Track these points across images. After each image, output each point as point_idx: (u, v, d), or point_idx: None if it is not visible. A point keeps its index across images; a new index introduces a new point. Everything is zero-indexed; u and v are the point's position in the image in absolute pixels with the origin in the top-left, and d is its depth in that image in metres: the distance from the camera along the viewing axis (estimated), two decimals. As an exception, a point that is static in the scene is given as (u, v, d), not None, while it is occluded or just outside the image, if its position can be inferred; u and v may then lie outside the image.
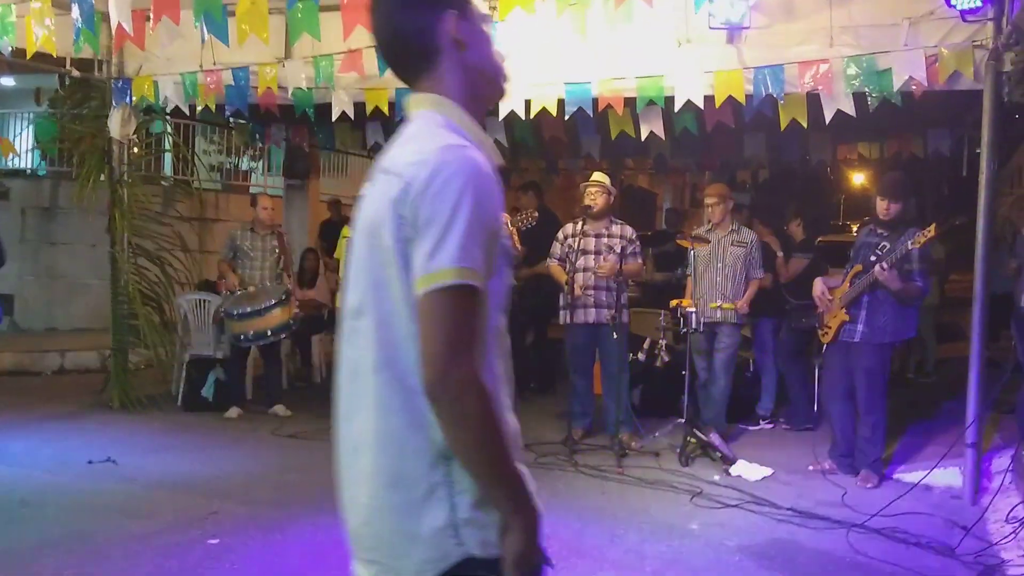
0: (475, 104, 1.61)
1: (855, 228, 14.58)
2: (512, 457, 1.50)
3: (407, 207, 1.40)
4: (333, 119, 6.80)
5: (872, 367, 5.61)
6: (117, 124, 7.24)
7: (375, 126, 8.71)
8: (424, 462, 1.47)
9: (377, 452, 1.51)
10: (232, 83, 6.66)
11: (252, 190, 12.67)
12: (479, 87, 1.63)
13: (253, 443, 6.40)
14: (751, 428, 7.12)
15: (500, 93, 1.70)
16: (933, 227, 5.33)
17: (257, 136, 9.88)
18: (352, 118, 6.90)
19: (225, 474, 5.57)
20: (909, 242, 5.31)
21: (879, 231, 5.73)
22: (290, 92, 6.54)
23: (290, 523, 4.63)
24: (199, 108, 7.16)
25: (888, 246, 5.53)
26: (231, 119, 9.11)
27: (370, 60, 6.03)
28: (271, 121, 9.01)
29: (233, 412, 7.14)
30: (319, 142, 10.10)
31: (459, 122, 1.55)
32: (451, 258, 1.36)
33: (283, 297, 7.01)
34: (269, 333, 6.99)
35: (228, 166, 13.32)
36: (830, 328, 5.78)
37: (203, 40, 6.17)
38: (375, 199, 1.50)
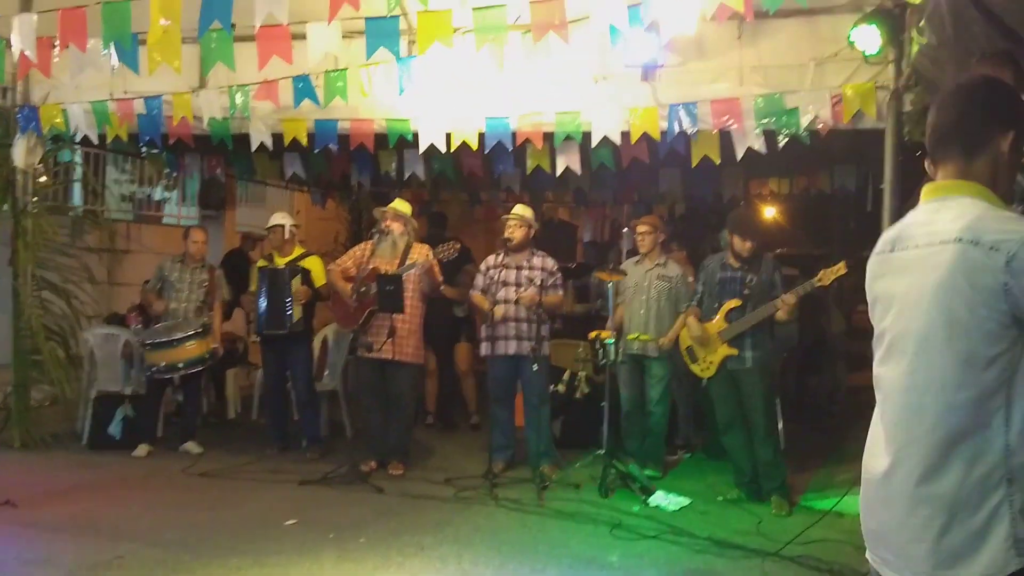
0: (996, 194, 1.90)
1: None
2: None
3: (1014, 276, 1.69)
4: (252, 149, 6.71)
5: (766, 391, 5.85)
6: (21, 153, 6.99)
7: (293, 156, 8.61)
8: (988, 488, 1.73)
9: (945, 480, 1.78)
10: (145, 112, 6.51)
11: (165, 220, 12.36)
12: (997, 190, 1.90)
13: (162, 482, 6.19)
14: (669, 458, 7.18)
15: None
16: (843, 265, 5.53)
17: (171, 166, 9.65)
18: (270, 148, 6.81)
19: (132, 515, 5.36)
20: (816, 280, 5.51)
21: (734, 265, 5.92)
22: (205, 122, 6.42)
23: (200, 566, 4.48)
24: (110, 138, 6.96)
25: (754, 278, 5.75)
26: (144, 148, 8.89)
27: (285, 91, 5.98)
28: (186, 151, 8.82)
29: (142, 450, 6.89)
30: (236, 172, 9.93)
31: (999, 206, 1.86)
32: None
33: (199, 330, 6.85)
34: (181, 366, 6.81)
35: (140, 196, 12.97)
36: (712, 363, 5.91)
37: (113, 68, 6.02)
38: (950, 267, 1.76)
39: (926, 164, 2.00)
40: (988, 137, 1.87)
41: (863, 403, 6.42)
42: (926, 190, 1.96)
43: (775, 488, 5.77)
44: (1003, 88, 1.96)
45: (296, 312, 6.86)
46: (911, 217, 1.96)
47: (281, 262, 7.07)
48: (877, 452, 1.95)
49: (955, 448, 1.75)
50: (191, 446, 7.01)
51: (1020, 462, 1.71)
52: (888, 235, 1.99)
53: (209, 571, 4.40)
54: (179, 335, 6.79)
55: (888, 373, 1.92)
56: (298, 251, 7.23)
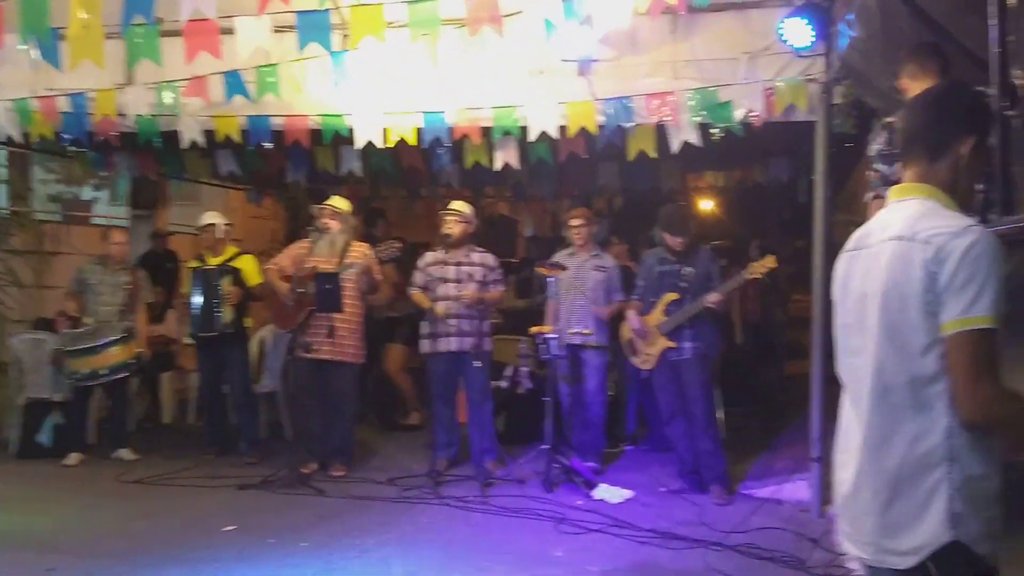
0: (953, 197, 2.01)
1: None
2: None
3: (938, 266, 1.82)
4: (182, 147, 6.54)
5: (706, 380, 5.95)
6: (-61, 152, 6.72)
7: (226, 154, 8.42)
8: (929, 464, 1.86)
9: (893, 456, 1.92)
10: (69, 110, 6.30)
11: (95, 221, 12.01)
12: (956, 192, 2.02)
13: (95, 491, 6.01)
14: (612, 450, 7.23)
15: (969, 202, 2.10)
16: (772, 259, 5.66)
17: (97, 165, 9.37)
18: (203, 146, 6.65)
19: (63, 527, 5.20)
20: (746, 273, 5.62)
21: (671, 259, 6.01)
22: (132, 119, 6.24)
23: (135, 576, 4.36)
24: (34, 137, 6.72)
25: (691, 270, 5.87)
26: (70, 147, 8.61)
27: (216, 86, 5.83)
28: (114, 149, 8.57)
29: (73, 458, 6.69)
30: (167, 171, 9.68)
31: (949, 206, 1.97)
32: (987, 308, 1.79)
33: (123, 335, 6.67)
34: (103, 372, 6.63)
35: (69, 196, 12.58)
36: (651, 355, 5.98)
37: (32, 65, 5.80)
38: (889, 261, 1.92)
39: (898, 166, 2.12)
40: (949, 141, 2.00)
41: (801, 392, 6.53)
42: (892, 191, 2.11)
43: (715, 477, 5.85)
44: (968, 95, 2.10)
45: (227, 313, 6.74)
46: (877, 216, 2.11)
47: (214, 262, 6.92)
48: (844, 434, 2.10)
49: (898, 428, 1.91)
50: (124, 453, 6.84)
51: (961, 443, 1.84)
52: (856, 233, 2.13)
53: (144, 582, 4.28)
54: (100, 341, 6.61)
55: (848, 361, 2.08)
56: (231, 251, 7.08)
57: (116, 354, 6.64)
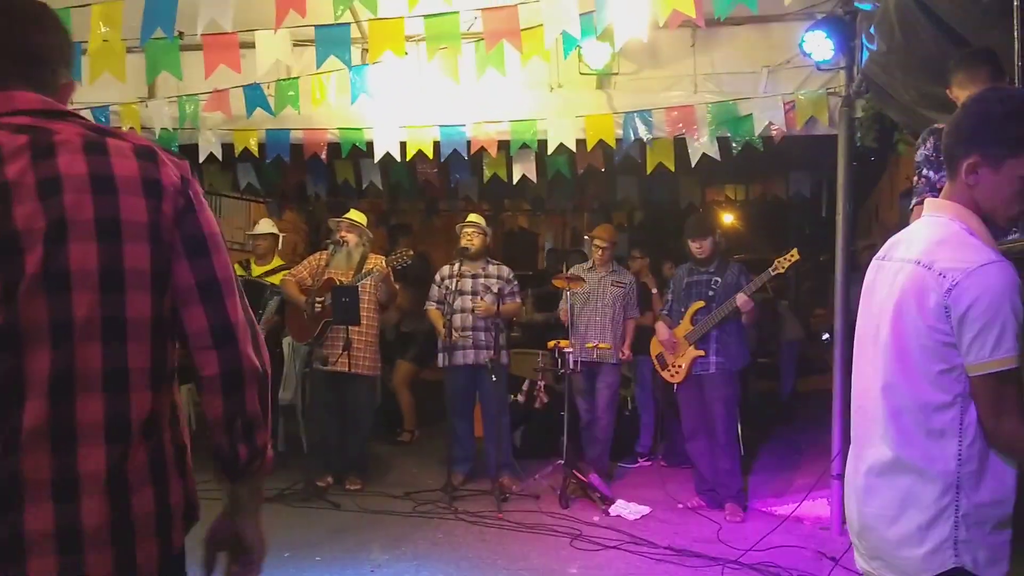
0: (981, 216, 1.96)
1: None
2: None
3: (953, 302, 1.81)
4: (200, 160, 6.57)
5: (729, 396, 5.86)
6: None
7: (246, 167, 8.48)
8: (936, 489, 1.85)
9: (901, 477, 1.92)
10: (92, 123, 6.36)
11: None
12: (984, 211, 1.96)
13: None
14: (630, 466, 7.17)
15: (1004, 225, 2.01)
16: (795, 251, 5.61)
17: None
18: (220, 159, 6.69)
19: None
20: (771, 269, 5.57)
21: (700, 269, 5.96)
22: (156, 133, 6.29)
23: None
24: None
25: (720, 280, 5.81)
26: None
27: (236, 100, 5.87)
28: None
29: None
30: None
31: (976, 229, 1.92)
32: (1008, 350, 1.79)
33: None
34: None
35: (92, 209, 12.71)
36: (681, 367, 5.93)
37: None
38: (905, 285, 1.91)
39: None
40: (956, 159, 1.96)
41: (819, 408, 6.43)
42: (926, 204, 2.10)
43: (730, 496, 5.78)
44: (975, 109, 1.97)
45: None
46: (910, 227, 2.10)
47: (258, 271, 6.98)
48: (854, 443, 2.11)
49: (906, 450, 1.90)
50: None
51: (970, 470, 1.83)
52: (890, 241, 2.12)
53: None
54: None
55: (859, 371, 2.09)
56: (277, 261, 7.14)
57: None
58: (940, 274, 1.85)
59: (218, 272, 1.60)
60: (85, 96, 6.22)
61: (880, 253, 2.12)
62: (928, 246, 1.92)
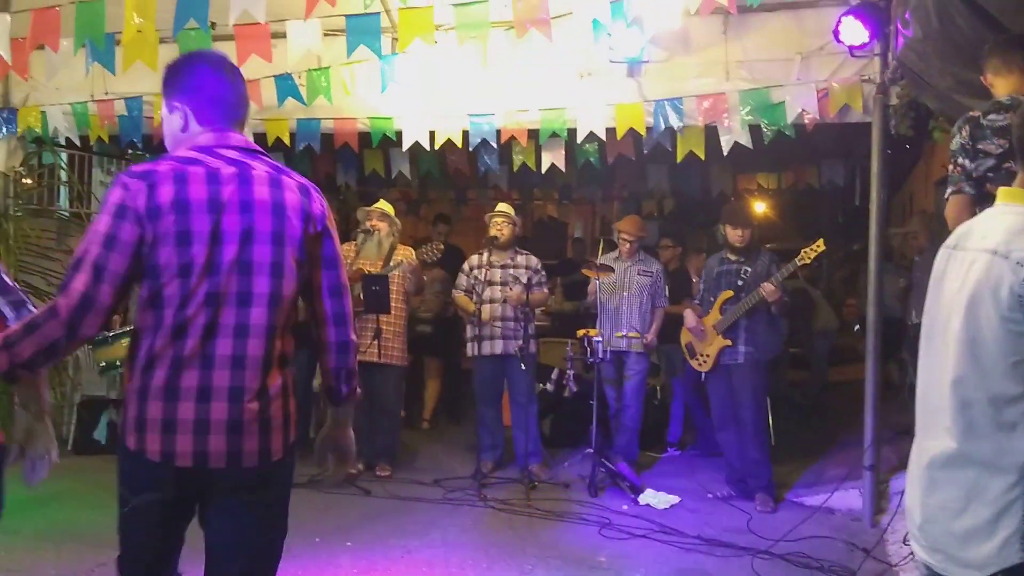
0: None
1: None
2: None
3: None
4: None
5: (758, 386, 5.82)
6: (2, 156, 6.91)
7: (276, 157, 8.51)
8: (1005, 483, 1.83)
9: (966, 470, 1.89)
10: (126, 113, 6.44)
11: (152, 222, 12.27)
12: None
13: (148, 487, 6.11)
14: (660, 456, 7.16)
15: None
16: (821, 242, 5.56)
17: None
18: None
19: (114, 521, 5.28)
20: (797, 260, 5.52)
21: (731, 258, 5.92)
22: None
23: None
24: (92, 140, 6.89)
25: (749, 270, 5.77)
26: (128, 150, 8.80)
27: (268, 90, 5.91)
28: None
29: None
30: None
31: None
32: None
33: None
34: (118, 363, 6.59)
35: (126, 198, 12.86)
36: (708, 356, 5.91)
37: (87, 69, 5.93)
38: (980, 274, 1.87)
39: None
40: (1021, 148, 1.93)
41: (851, 398, 6.36)
42: (999, 192, 2.04)
43: (760, 487, 5.76)
44: None
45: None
46: (981, 217, 2.05)
47: None
48: (916, 435, 2.08)
49: (975, 443, 1.86)
50: None
51: None
52: (959, 230, 2.07)
53: (193, 577, 4.34)
54: (112, 333, 6.63)
55: (926, 363, 2.05)
56: None
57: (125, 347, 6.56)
58: (1018, 263, 1.80)
59: (341, 280, 2.46)
60: (118, 86, 6.31)
61: (950, 242, 2.07)
62: (1004, 236, 1.88)
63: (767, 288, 5.57)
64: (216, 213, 2.22)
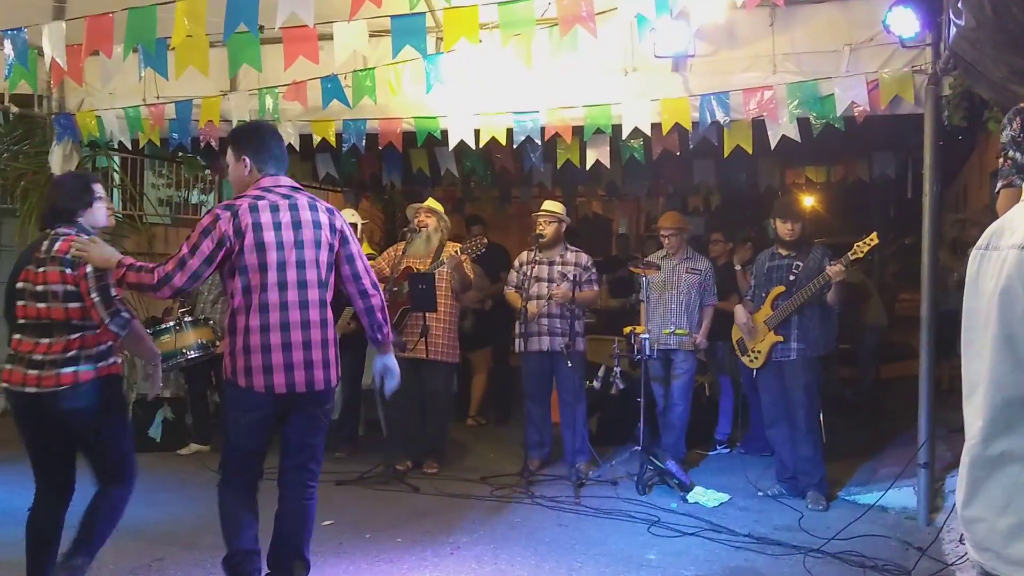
0: None
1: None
2: None
3: None
4: (280, 151, 6.72)
5: (810, 382, 5.75)
6: (59, 160, 7.09)
7: (325, 157, 8.64)
8: None
9: (1008, 467, 1.89)
10: (175, 116, 6.57)
11: (203, 223, 12.48)
12: None
13: (201, 483, 6.20)
14: (709, 453, 7.11)
15: None
16: (874, 235, 5.46)
17: (206, 169, 9.73)
18: (298, 150, 6.82)
19: (171, 518, 5.40)
20: (850, 254, 5.42)
21: (782, 253, 5.84)
22: (235, 124, 6.45)
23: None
24: (143, 143, 7.04)
25: (801, 264, 5.70)
26: (178, 153, 8.98)
27: (314, 92, 5.98)
28: (220, 154, 8.88)
29: (188, 449, 7.09)
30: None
31: None
32: None
33: (201, 318, 6.73)
34: (180, 353, 6.66)
35: (178, 199, 13.11)
36: (760, 352, 5.84)
37: (140, 74, 6.06)
38: (1012, 270, 1.85)
39: None
40: None
41: (905, 395, 6.24)
42: None
43: (812, 485, 5.69)
44: None
45: (345, 316, 6.72)
46: (1010, 214, 2.04)
47: None
48: (967, 432, 2.06)
49: (1015, 441, 1.86)
50: (191, 447, 7.15)
51: None
52: (990, 229, 2.04)
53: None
54: (166, 324, 6.67)
55: (967, 365, 2.02)
56: (364, 248, 7.24)
57: (191, 335, 6.56)
58: None
59: (358, 269, 3.76)
60: (169, 91, 6.44)
61: (982, 242, 2.05)
62: None
63: (834, 269, 5.47)
64: (278, 230, 3.52)
